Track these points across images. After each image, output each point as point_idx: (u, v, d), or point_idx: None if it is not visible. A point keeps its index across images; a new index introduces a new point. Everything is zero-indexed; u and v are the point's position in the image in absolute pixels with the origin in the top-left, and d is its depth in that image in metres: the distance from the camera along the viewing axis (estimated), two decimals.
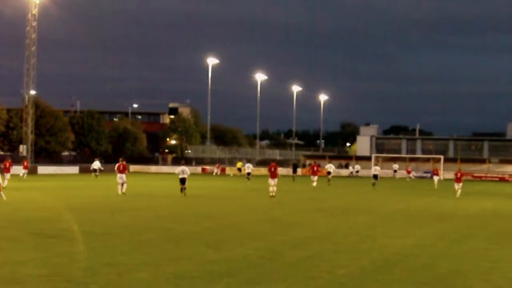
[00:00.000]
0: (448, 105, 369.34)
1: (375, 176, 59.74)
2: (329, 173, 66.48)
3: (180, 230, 22.36)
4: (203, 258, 16.29)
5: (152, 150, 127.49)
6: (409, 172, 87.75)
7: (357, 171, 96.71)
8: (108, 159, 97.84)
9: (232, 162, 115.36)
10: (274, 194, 41.78)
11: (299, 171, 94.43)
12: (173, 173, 47.67)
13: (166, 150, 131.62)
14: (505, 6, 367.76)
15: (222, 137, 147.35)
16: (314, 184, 53.73)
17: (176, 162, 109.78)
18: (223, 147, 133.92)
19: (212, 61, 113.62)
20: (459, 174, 48.77)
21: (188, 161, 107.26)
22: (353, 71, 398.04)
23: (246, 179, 65.96)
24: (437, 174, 67.57)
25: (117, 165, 41.37)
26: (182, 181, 41.48)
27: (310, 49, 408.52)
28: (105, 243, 18.70)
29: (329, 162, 73.32)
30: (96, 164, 68.00)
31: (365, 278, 14.34)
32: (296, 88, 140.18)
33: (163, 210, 30.69)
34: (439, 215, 31.06)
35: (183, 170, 41.67)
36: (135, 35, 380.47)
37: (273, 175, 42.32)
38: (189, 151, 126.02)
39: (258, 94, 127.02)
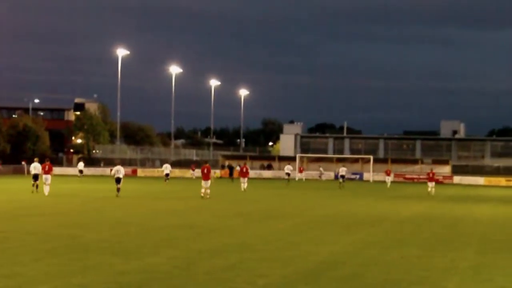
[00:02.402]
0: (377, 101, 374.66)
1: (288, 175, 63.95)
2: (342, 176, 70.53)
3: (86, 238, 22.08)
4: (111, 269, 16.12)
5: (55, 150, 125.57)
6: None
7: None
8: (7, 160, 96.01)
9: (144, 163, 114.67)
10: (208, 196, 44.00)
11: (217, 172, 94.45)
12: (75, 175, 47.53)
13: (72, 150, 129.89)
14: None
15: (133, 136, 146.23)
16: (244, 186, 55.20)
17: (87, 162, 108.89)
18: (134, 146, 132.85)
19: (121, 52, 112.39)
20: (431, 174, 57.19)
21: (95, 162, 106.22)
22: (275, 65, 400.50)
23: (164, 181, 66.18)
24: (389, 175, 74.11)
25: (42, 165, 45.19)
26: (118, 180, 44.44)
27: (229, 40, 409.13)
28: (3, 253, 18.34)
29: (343, 166, 77.36)
30: None
31: None
32: (214, 82, 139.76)
33: (68, 216, 30.29)
34: (370, 220, 31.39)
35: (118, 170, 44.88)
36: (33, 21, 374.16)
37: (206, 177, 44.32)
38: (97, 151, 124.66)
39: (173, 89, 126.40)
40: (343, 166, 78.80)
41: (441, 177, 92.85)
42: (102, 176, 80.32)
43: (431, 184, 57.12)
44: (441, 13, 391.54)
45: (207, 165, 46.72)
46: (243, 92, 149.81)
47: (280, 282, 15.05)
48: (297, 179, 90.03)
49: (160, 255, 18.59)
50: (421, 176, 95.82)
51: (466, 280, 15.97)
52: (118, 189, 44.29)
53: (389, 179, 76.87)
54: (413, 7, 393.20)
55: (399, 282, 15.48)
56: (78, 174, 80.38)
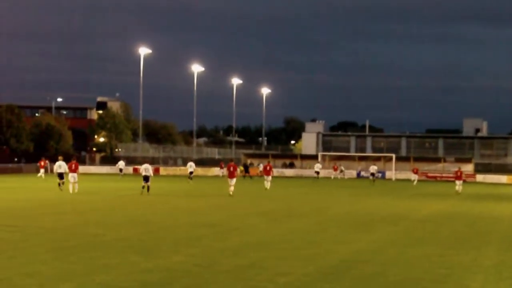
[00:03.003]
0: (399, 99, 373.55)
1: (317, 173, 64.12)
2: (372, 174, 73.34)
3: (108, 236, 22.17)
4: (133, 267, 16.18)
5: (78, 149, 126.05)
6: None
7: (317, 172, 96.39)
8: (30, 158, 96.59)
9: (166, 162, 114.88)
10: (231, 193, 44.84)
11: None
12: (100, 174, 47.80)
13: (94, 149, 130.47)
14: None
15: (156, 134, 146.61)
16: (268, 184, 55.09)
17: (105, 161, 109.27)
18: (156, 145, 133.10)
19: (143, 51, 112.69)
20: (459, 173, 58.93)
21: (117, 161, 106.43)
22: (296, 63, 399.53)
23: (188, 179, 66.20)
24: (415, 173, 75.86)
25: (69, 164, 46.37)
26: (146, 178, 45.06)
27: (250, 39, 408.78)
28: (24, 251, 18.46)
29: (374, 164, 79.33)
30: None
31: (309, 287, 14.41)
32: (236, 81, 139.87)
33: (91, 214, 30.41)
34: (391, 218, 31.35)
35: (146, 168, 45.52)
36: (57, 22, 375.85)
37: (232, 174, 45.75)
38: (120, 150, 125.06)
39: (195, 87, 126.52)
40: (374, 164, 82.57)
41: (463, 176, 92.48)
42: (123, 174, 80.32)
43: (458, 183, 57.16)
44: (461, 11, 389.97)
45: (233, 163, 47.91)
46: (265, 91, 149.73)
47: (301, 280, 15.05)
48: (332, 177, 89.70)
49: (181, 253, 18.63)
50: (443, 175, 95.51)
51: (489, 278, 15.92)
52: (147, 187, 44.87)
53: (415, 177, 79.90)
54: (431, 5, 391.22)
55: (420, 280, 15.44)
56: (119, 172, 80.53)
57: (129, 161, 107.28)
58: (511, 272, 16.72)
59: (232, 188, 45.20)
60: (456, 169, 62.73)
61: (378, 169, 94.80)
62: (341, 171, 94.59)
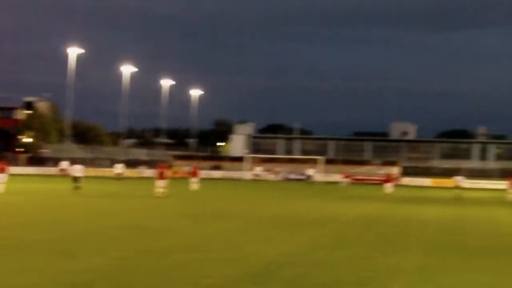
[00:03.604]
0: (329, 102, 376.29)
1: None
2: (309, 177, 68.67)
3: (31, 238, 21.69)
4: (54, 269, 15.82)
5: (2, 149, 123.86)
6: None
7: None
8: None
9: (94, 163, 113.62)
10: (162, 195, 45.19)
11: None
12: (26, 174, 47.29)
13: (20, 149, 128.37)
14: None
15: (84, 135, 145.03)
16: (195, 186, 56.49)
17: (32, 162, 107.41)
18: (84, 146, 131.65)
19: (74, 50, 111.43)
20: (388, 176, 62.94)
21: (43, 161, 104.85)
22: (228, 65, 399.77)
23: (117, 180, 65.92)
24: (346, 177, 77.81)
25: None
26: (76, 179, 47.18)
27: (182, 40, 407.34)
28: None
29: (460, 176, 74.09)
30: None
31: None
32: (166, 82, 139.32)
33: (15, 216, 29.84)
34: (318, 220, 31.44)
35: (76, 169, 47.90)
36: None
37: (162, 176, 46.25)
38: (46, 150, 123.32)
39: (124, 88, 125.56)
40: (313, 167, 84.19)
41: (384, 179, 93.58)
42: (49, 175, 79.32)
43: (388, 185, 57.97)
44: (392, 15, 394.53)
45: (163, 165, 49.60)
46: (196, 92, 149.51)
47: (225, 282, 14.89)
48: (263, 179, 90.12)
49: (106, 255, 18.31)
50: (371, 177, 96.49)
51: (412, 281, 15.95)
52: (77, 188, 46.17)
53: (345, 180, 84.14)
54: (369, 8, 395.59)
55: (346, 283, 15.41)
56: (117, 177, 76.39)
57: (56, 162, 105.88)
58: (435, 275, 16.81)
59: (162, 190, 45.37)
60: (385, 172, 63.62)
61: (301, 171, 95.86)
62: (276, 172, 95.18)
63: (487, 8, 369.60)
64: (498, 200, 57.04)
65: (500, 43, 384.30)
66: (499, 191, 77.85)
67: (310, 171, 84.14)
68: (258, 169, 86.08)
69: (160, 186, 45.76)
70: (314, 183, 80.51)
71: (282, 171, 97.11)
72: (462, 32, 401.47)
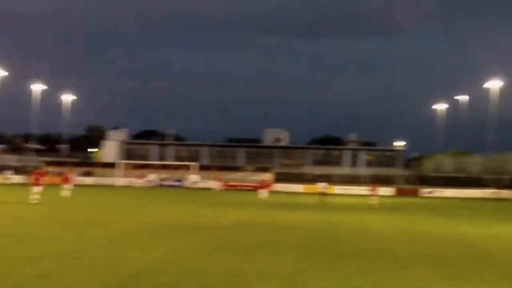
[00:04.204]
0: (203, 108, 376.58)
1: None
2: (322, 193, 64.09)
3: None
4: None
5: None
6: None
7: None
8: None
9: None
10: (36, 201, 45.04)
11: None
12: None
13: None
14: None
15: None
16: (66, 193, 56.55)
17: None
18: None
19: None
20: (374, 188, 63.56)
21: None
22: (101, 71, 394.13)
23: None
24: (220, 181, 78.87)
25: None
26: None
27: (54, 45, 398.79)
28: None
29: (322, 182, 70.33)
30: None
31: None
32: (38, 87, 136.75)
33: None
34: (191, 227, 31.54)
35: None
36: None
37: (37, 182, 45.99)
38: None
39: None
40: (187, 174, 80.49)
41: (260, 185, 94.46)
42: None
43: (262, 191, 58.91)
44: (264, 22, 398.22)
45: (39, 171, 49.34)
46: (68, 97, 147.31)
47: None
48: (139, 186, 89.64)
49: None
50: (244, 184, 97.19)
51: (283, 286, 16.28)
52: None
53: (217, 185, 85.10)
54: (238, 15, 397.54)
55: None
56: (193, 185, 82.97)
57: None
58: (306, 280, 17.18)
59: (36, 196, 45.34)
60: (259, 178, 64.34)
61: (174, 177, 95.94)
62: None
63: (360, 17, 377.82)
64: (366, 205, 58.45)
65: (371, 52, 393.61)
66: (368, 197, 79.95)
67: (193, 177, 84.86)
68: (192, 177, 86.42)
69: (35, 192, 45.53)
70: (195, 189, 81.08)
71: (158, 177, 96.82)
72: (334, 40, 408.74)
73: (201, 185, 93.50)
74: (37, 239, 24.65)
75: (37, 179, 46.46)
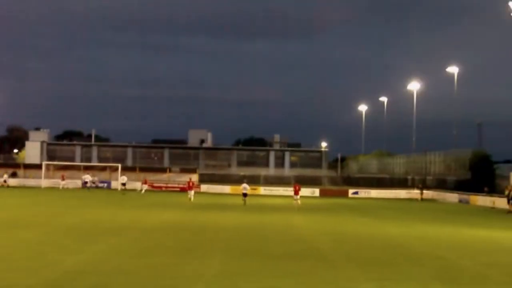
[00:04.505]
0: (127, 109, 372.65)
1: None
2: (245, 195, 61.67)
3: None
4: None
5: None
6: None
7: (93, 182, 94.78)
8: None
9: None
10: None
11: None
12: None
13: None
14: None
15: None
16: None
17: None
18: None
19: None
20: (297, 187, 62.00)
21: None
22: (21, 70, 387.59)
23: None
24: (145, 183, 78.42)
25: None
26: None
27: None
28: None
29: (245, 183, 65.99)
30: None
31: None
32: None
33: None
34: (116, 229, 31.40)
35: None
36: None
37: None
38: None
39: None
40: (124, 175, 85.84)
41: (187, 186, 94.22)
42: None
43: (189, 192, 59.58)
44: (194, 23, 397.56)
45: None
46: None
47: None
48: (61, 187, 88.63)
49: None
50: (169, 185, 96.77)
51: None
52: None
53: (144, 187, 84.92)
54: (161, 16, 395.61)
55: None
56: (121, 187, 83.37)
57: None
58: (233, 281, 17.26)
59: None
60: (185, 179, 64.28)
61: (99, 179, 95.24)
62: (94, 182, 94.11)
63: (284, 20, 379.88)
64: (292, 206, 58.72)
65: (296, 54, 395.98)
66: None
67: (123, 178, 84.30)
68: (122, 179, 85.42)
69: None
70: (125, 191, 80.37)
71: (86, 179, 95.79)
72: (259, 42, 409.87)
73: (128, 186, 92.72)
74: None
75: None
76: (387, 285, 17.47)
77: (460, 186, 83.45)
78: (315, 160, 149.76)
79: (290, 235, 31.45)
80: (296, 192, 61.13)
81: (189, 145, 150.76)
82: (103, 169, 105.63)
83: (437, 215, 52.00)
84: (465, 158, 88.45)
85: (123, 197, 68.41)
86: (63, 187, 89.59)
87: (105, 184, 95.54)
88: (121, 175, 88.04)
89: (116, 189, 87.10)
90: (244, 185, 62.50)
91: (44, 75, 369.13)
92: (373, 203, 72.50)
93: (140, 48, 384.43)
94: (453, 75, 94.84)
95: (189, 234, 30.25)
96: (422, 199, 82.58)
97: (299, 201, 60.20)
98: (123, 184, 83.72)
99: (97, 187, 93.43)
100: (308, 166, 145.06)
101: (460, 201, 76.04)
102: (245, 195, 60.79)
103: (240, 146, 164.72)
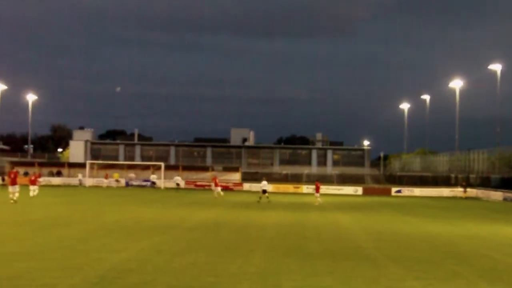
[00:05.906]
0: (168, 108, 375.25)
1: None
2: (264, 191, 62.38)
3: None
4: None
5: None
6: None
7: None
8: None
9: None
10: (15, 199, 46.56)
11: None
12: None
13: None
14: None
15: None
16: (34, 193, 55.79)
17: None
18: None
19: None
20: (318, 185, 61.42)
21: None
22: (65, 70, 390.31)
23: None
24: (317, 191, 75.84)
25: None
26: None
27: (14, 43, 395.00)
28: None
29: (265, 180, 67.06)
30: None
31: None
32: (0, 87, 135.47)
33: None
34: (159, 227, 31.40)
35: None
36: None
37: (13, 182, 46.98)
38: None
39: None
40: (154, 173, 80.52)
41: (231, 184, 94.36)
42: None
43: (218, 189, 60.12)
44: (237, 23, 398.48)
45: (15, 170, 50.00)
46: (31, 97, 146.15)
47: None
48: (105, 186, 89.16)
49: None
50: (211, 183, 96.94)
51: (254, 286, 16.24)
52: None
53: (218, 189, 76.40)
54: (192, 15, 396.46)
55: None
56: (176, 186, 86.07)
57: None
58: (275, 279, 17.15)
59: (16, 195, 46.69)
60: (228, 177, 64.10)
61: (141, 177, 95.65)
62: (117, 180, 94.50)
63: (321, 18, 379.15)
64: (335, 204, 58.46)
65: (333, 52, 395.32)
66: (337, 196, 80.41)
67: (152, 177, 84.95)
68: (176, 179, 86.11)
69: (12, 191, 46.81)
70: (179, 189, 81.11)
71: (129, 178, 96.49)
72: (297, 40, 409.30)
73: (168, 185, 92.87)
74: (4, 240, 24.40)
75: (14, 178, 47.27)
76: (433, 284, 17.22)
77: (504, 184, 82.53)
78: (357, 158, 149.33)
79: (332, 233, 31.22)
80: (317, 190, 60.61)
81: (231, 143, 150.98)
82: (147, 167, 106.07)
83: (481, 213, 51.47)
84: (509, 156, 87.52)
85: (169, 195, 68.57)
86: (108, 186, 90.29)
87: (149, 183, 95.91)
88: (177, 176, 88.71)
89: (174, 188, 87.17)
90: (264, 182, 62.93)
91: (88, 75, 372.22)
92: (416, 201, 71.98)
93: (185, 49, 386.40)
94: (495, 72, 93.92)
95: (230, 232, 30.16)
96: (465, 197, 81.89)
97: (319, 199, 59.83)
98: (177, 184, 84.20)
99: (141, 185, 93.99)
100: (350, 165, 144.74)
101: (505, 199, 75.15)
102: (264, 191, 60.96)
103: (282, 145, 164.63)
